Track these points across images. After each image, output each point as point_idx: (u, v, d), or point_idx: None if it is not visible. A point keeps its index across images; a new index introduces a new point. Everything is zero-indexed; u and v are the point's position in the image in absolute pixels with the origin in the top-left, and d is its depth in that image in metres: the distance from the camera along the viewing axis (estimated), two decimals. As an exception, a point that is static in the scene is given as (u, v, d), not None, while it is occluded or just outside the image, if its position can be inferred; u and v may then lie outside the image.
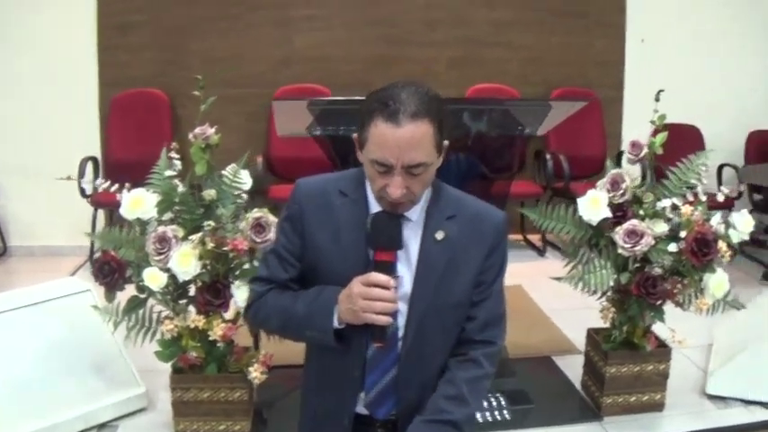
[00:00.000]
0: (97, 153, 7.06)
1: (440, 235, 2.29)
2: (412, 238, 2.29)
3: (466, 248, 2.31)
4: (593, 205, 3.88)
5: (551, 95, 7.49)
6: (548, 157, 7.18)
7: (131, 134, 6.93)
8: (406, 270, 2.28)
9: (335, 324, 2.20)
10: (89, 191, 6.52)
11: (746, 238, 4.06)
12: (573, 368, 4.67)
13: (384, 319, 2.14)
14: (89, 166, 6.79)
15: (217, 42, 7.14)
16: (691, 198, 3.99)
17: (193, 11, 7.08)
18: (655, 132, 4.22)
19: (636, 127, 7.39)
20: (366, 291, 2.13)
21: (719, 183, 7.69)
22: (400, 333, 2.28)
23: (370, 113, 2.14)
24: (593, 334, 4.35)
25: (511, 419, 4.12)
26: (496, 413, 4.13)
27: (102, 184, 3.75)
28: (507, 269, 2.46)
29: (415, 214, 2.29)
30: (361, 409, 2.34)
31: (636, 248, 3.76)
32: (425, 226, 2.30)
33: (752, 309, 4.95)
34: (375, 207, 2.28)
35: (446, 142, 2.23)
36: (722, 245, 3.87)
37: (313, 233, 2.31)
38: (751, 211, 7.29)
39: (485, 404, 4.14)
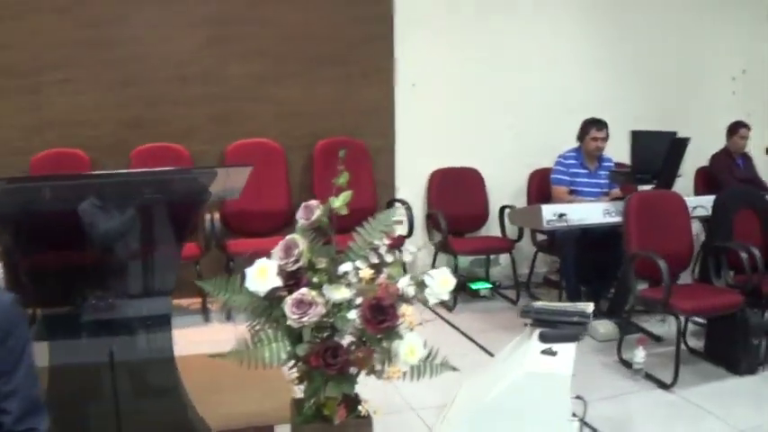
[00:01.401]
0: None
1: None
2: None
3: None
4: (261, 275, 3.52)
5: (316, 147, 7.20)
6: (307, 212, 6.81)
7: None
8: None
9: None
10: None
11: (445, 298, 3.74)
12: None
13: None
14: None
15: (-31, 109, 6.63)
16: (375, 260, 3.64)
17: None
18: (337, 191, 3.83)
19: (409, 174, 7.22)
20: None
21: (502, 225, 7.52)
22: None
23: None
24: (294, 404, 3.99)
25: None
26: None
27: None
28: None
29: None
30: None
31: (304, 319, 3.41)
32: None
33: (494, 362, 4.70)
34: None
35: None
36: (406, 309, 3.54)
37: None
38: (536, 253, 7.27)
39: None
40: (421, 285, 3.70)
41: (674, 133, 6.54)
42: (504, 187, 7.82)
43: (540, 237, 7.32)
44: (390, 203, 7.34)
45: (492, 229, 7.75)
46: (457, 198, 7.59)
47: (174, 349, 4.16)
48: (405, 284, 3.64)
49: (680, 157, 6.46)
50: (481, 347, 5.97)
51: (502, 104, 7.89)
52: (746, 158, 8.37)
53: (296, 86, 7.24)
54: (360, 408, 3.79)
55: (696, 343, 6.06)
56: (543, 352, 4.07)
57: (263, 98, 7.18)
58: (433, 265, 7.42)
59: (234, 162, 6.92)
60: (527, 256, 7.65)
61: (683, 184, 7.92)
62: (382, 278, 3.61)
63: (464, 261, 7.61)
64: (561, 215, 6.22)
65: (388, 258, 3.69)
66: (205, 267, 6.54)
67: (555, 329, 4.26)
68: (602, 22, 8.41)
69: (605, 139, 6.98)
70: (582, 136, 7.04)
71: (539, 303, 4.57)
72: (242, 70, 7.12)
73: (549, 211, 6.26)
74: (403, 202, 7.30)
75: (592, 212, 6.40)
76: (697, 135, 7.95)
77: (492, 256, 7.72)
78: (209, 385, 4.44)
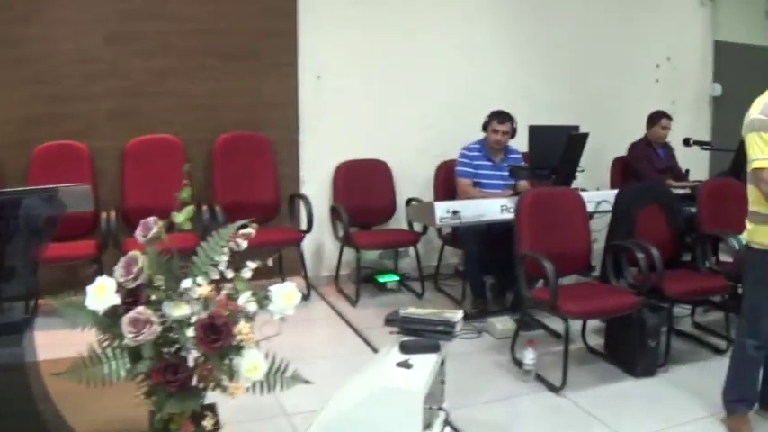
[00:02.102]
0: None
1: None
2: None
3: None
4: (100, 293, 3.49)
5: (217, 141, 7.16)
6: (204, 208, 6.77)
7: None
8: None
9: None
10: None
11: (290, 313, 3.71)
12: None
13: None
14: None
15: None
16: (216, 275, 3.61)
17: None
18: (181, 206, 3.80)
19: (315, 167, 7.17)
20: None
21: (408, 220, 7.47)
22: None
23: None
24: (150, 415, 3.96)
25: None
26: None
27: None
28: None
29: None
30: None
31: (139, 338, 3.39)
32: None
33: (364, 369, 4.66)
34: None
35: None
36: (243, 326, 3.51)
37: None
38: (443, 245, 7.23)
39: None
40: (264, 301, 3.69)
41: (574, 128, 6.51)
42: (413, 179, 7.80)
43: (446, 230, 7.27)
44: (292, 198, 7.31)
45: (402, 221, 7.72)
46: (363, 191, 7.54)
47: (28, 354, 4.13)
48: (245, 300, 3.62)
49: (578, 152, 6.42)
50: (370, 346, 5.95)
51: (411, 95, 7.85)
52: (667, 148, 8.32)
53: (200, 81, 7.15)
54: (204, 423, 3.78)
55: (598, 340, 6.02)
56: (399, 364, 3.97)
57: (167, 93, 7.08)
58: (339, 260, 7.40)
59: (133, 157, 6.91)
60: (437, 247, 7.63)
61: (599, 174, 7.94)
62: (222, 295, 3.59)
63: (373, 253, 7.61)
64: (455, 212, 6.14)
65: (229, 274, 3.67)
66: (109, 266, 6.48)
67: (417, 339, 4.15)
68: (518, 9, 8.37)
69: (507, 133, 6.93)
70: (485, 127, 7.01)
71: (406, 310, 4.44)
72: (146, 65, 7.01)
73: (441, 209, 6.17)
74: (303, 197, 7.26)
75: (488, 209, 6.31)
76: (619, 124, 8.02)
77: (401, 249, 7.67)
78: (88, 390, 4.40)
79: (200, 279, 3.60)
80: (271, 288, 3.68)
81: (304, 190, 7.50)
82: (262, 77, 7.34)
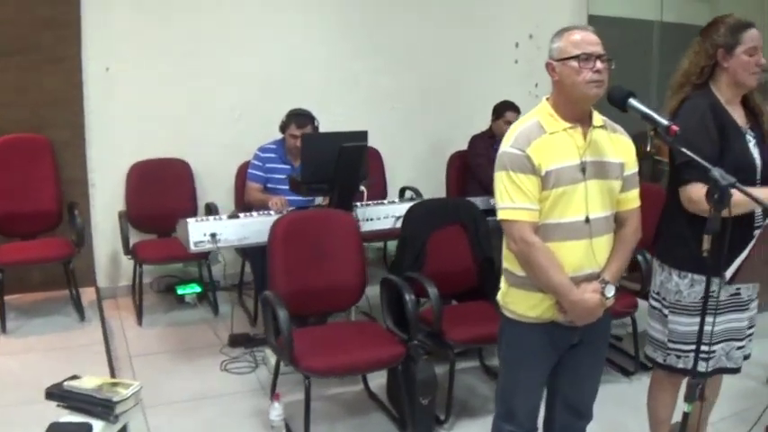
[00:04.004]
0: None
1: None
2: None
3: None
4: None
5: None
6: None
7: None
8: None
9: None
10: None
11: None
12: None
13: None
14: None
15: None
16: None
17: None
18: None
19: (106, 168, 6.59)
20: None
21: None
22: None
23: None
24: None
25: None
26: None
27: None
28: None
29: None
30: None
31: None
32: None
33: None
34: None
35: None
36: None
37: None
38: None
39: None
40: None
41: (359, 134, 5.63)
42: (218, 180, 7.12)
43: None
44: (71, 206, 6.63)
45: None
46: (159, 195, 6.80)
47: None
48: None
49: (356, 167, 5.52)
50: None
51: (219, 86, 7.14)
52: None
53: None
54: None
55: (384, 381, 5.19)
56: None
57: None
58: (135, 271, 6.72)
59: None
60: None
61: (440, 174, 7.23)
62: None
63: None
64: (213, 235, 5.38)
65: None
66: None
67: (67, 423, 3.55)
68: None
69: None
70: (283, 129, 6.33)
71: (70, 383, 3.84)
72: None
73: (197, 230, 5.39)
74: (74, 206, 6.57)
75: (255, 230, 5.51)
76: (470, 114, 7.38)
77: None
78: None
79: None
80: None
81: (95, 195, 6.85)
82: (40, 73, 6.55)
